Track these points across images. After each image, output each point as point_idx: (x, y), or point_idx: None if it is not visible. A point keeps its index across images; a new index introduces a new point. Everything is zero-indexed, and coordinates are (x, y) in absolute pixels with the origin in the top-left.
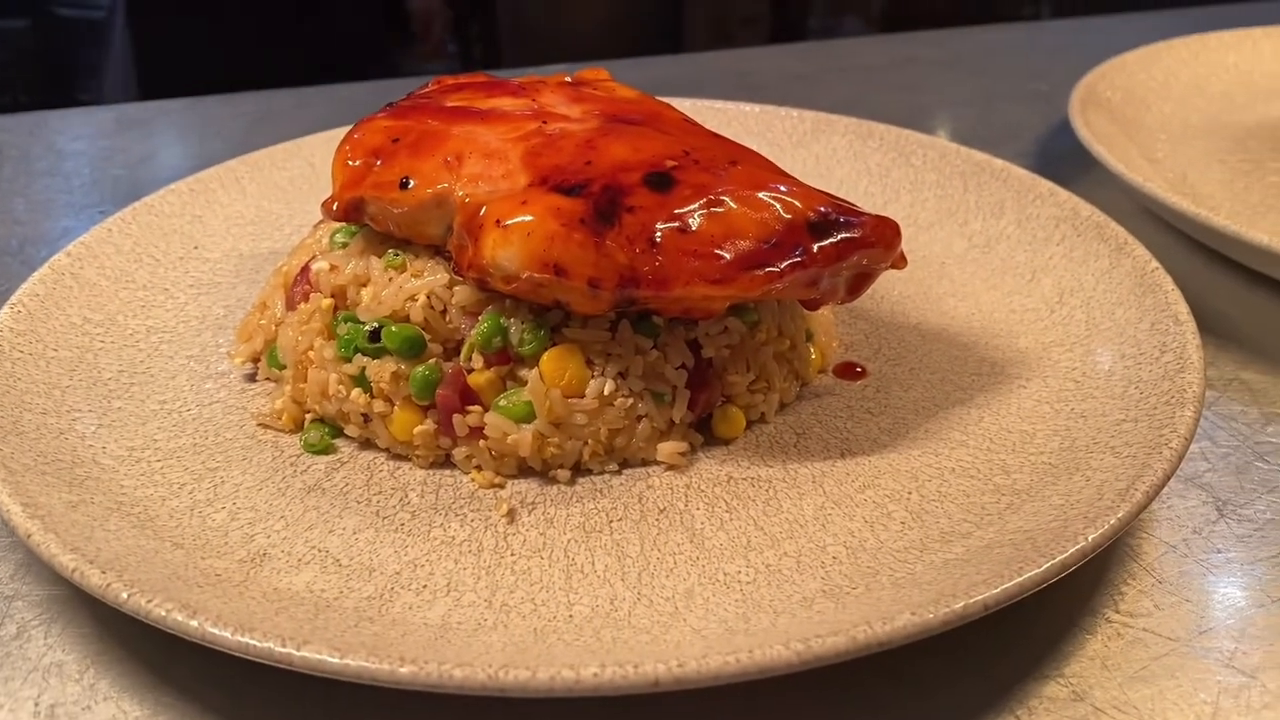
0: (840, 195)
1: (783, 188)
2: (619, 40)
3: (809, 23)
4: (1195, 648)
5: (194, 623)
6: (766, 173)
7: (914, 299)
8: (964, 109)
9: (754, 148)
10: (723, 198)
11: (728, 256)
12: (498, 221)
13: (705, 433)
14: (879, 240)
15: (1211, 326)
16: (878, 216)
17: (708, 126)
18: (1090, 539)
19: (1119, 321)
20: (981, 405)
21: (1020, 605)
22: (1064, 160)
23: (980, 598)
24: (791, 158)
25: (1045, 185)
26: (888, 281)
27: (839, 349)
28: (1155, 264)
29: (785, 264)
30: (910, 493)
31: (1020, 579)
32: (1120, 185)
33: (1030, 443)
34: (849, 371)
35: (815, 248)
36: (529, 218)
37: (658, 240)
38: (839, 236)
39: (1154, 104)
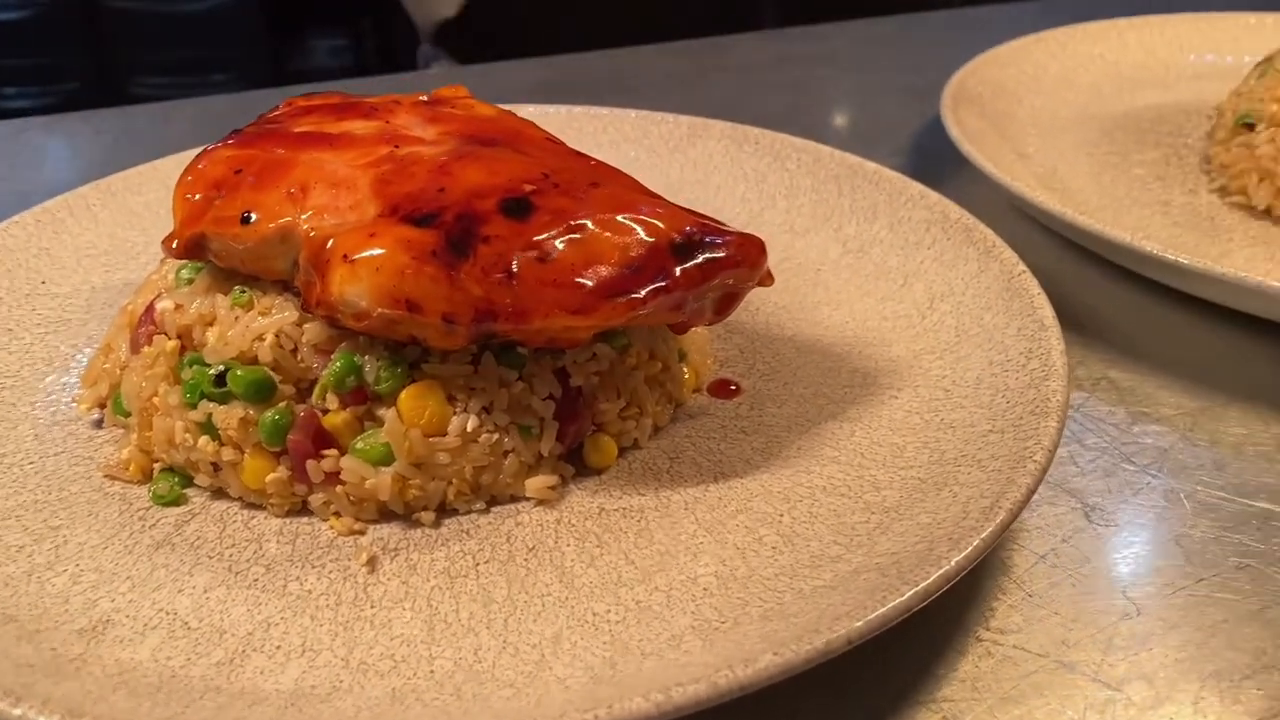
0: (718, 201)
1: (645, 209)
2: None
3: None
4: (1063, 663)
5: (18, 711)
6: (630, 193)
7: (789, 309)
8: (842, 107)
9: (631, 154)
10: (583, 223)
11: (589, 285)
12: (345, 256)
13: (577, 463)
14: (744, 259)
15: (1082, 324)
16: (743, 235)
17: (585, 133)
18: (954, 562)
19: (987, 327)
20: (854, 419)
21: (892, 626)
22: (941, 157)
23: (843, 633)
24: (668, 163)
25: (916, 188)
26: (763, 292)
27: (713, 366)
28: (1022, 267)
29: (648, 289)
30: (782, 515)
31: (883, 610)
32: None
33: (900, 456)
34: (723, 389)
35: (679, 271)
36: (378, 251)
37: (515, 271)
38: (703, 258)
39: (1025, 97)
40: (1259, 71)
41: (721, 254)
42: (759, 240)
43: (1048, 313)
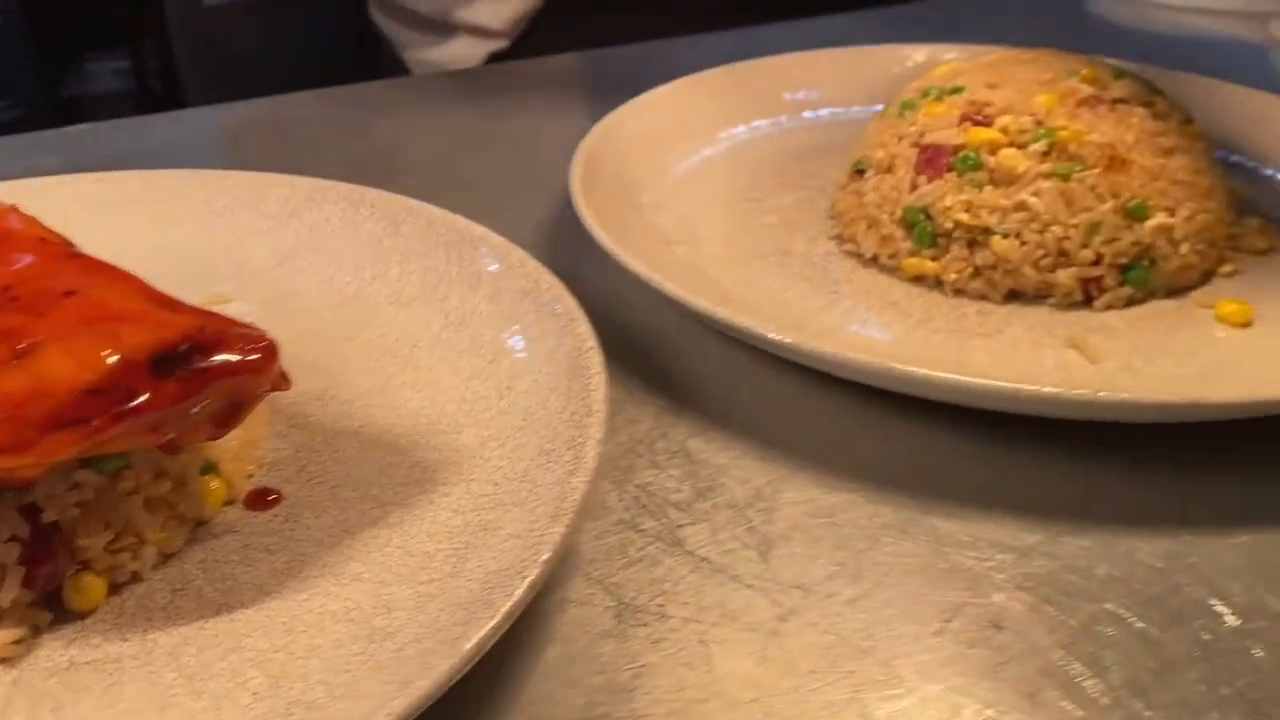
0: (331, 269)
1: (126, 319)
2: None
3: None
4: None
5: None
6: (116, 300)
7: (369, 394)
8: (505, 155)
9: (246, 219)
10: (36, 344)
11: (28, 417)
12: None
13: (57, 607)
14: (244, 367)
15: (683, 391)
16: (250, 337)
17: (198, 200)
18: (395, 710)
19: (550, 411)
20: (395, 524)
21: None
22: None
23: None
24: (284, 230)
25: (518, 254)
26: (343, 377)
27: (259, 472)
28: (591, 343)
29: (108, 415)
30: (278, 651)
31: None
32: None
33: (428, 568)
34: (259, 500)
35: (149, 392)
36: None
37: None
38: (187, 371)
39: (677, 142)
40: (883, 113)
41: (215, 363)
42: (269, 343)
43: (598, 396)
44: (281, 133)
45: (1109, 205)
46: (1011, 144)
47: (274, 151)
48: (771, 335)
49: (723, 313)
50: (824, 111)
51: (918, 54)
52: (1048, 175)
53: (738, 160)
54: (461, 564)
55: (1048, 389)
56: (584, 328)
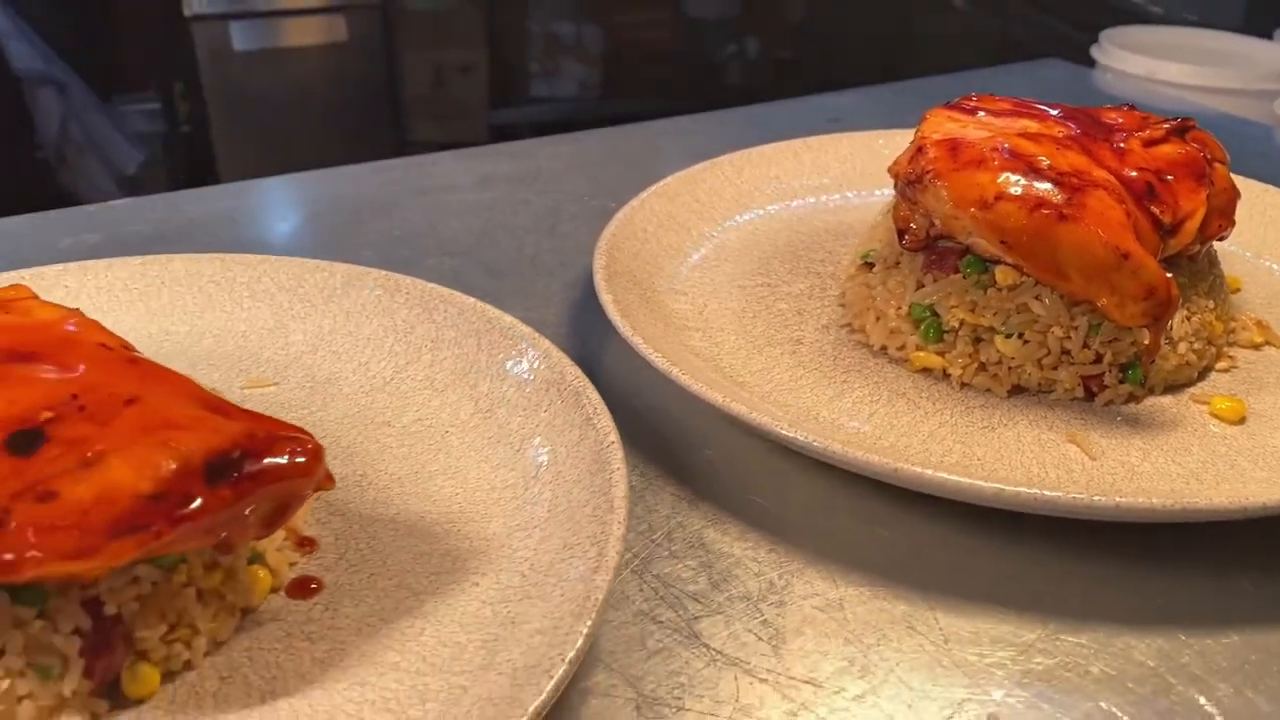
0: (366, 353)
1: (181, 427)
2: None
3: (530, 67)
4: None
5: None
6: (172, 407)
7: (404, 480)
8: (532, 233)
9: (285, 304)
10: (100, 451)
11: (91, 524)
12: None
13: (116, 695)
14: (292, 470)
15: (699, 480)
16: (295, 440)
17: (239, 282)
18: None
19: (573, 504)
20: (428, 614)
21: None
22: None
23: None
24: (322, 314)
25: (544, 344)
26: (380, 462)
27: (301, 560)
28: (614, 438)
29: (168, 520)
30: None
31: None
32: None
33: (459, 659)
34: (302, 588)
35: (203, 497)
36: None
37: (6, 518)
38: (239, 475)
39: (695, 226)
40: (887, 206)
41: (265, 467)
42: (315, 446)
43: (620, 491)
44: (314, 210)
45: None
46: None
47: (310, 229)
48: (785, 432)
49: (738, 408)
50: (834, 196)
51: None
52: None
53: (751, 245)
54: (491, 657)
55: (1047, 493)
56: (606, 421)
